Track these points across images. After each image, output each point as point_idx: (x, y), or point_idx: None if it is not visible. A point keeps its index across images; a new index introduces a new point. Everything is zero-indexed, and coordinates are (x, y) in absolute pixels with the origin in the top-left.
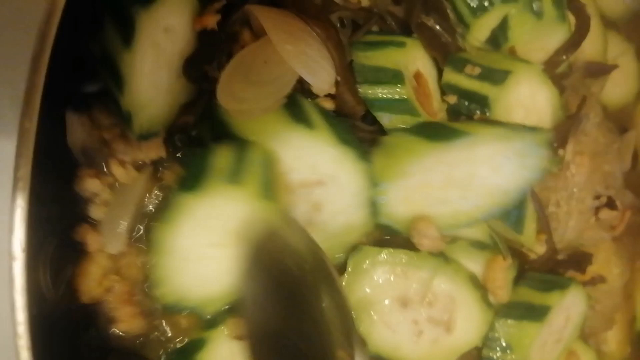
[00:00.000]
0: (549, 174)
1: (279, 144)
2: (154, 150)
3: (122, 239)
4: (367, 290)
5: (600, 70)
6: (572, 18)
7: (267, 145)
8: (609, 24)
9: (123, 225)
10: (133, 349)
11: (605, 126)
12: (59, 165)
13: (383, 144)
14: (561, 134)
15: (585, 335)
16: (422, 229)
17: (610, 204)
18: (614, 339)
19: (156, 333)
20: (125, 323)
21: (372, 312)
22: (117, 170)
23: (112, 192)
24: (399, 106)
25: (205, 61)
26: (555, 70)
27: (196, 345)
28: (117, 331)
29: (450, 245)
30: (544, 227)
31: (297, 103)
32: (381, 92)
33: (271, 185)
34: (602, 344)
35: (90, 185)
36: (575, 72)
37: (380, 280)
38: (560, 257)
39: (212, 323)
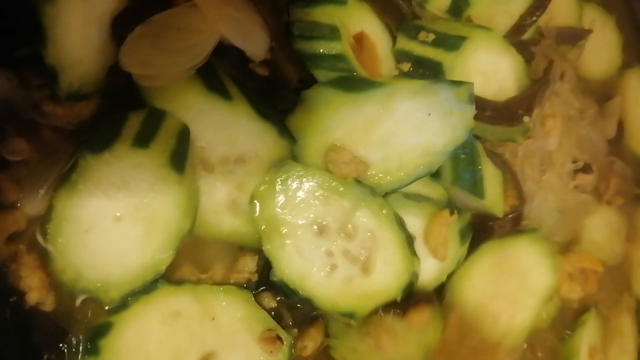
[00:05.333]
0: (515, 143)
1: (194, 115)
2: (87, 111)
3: (41, 202)
4: (281, 207)
5: (573, 35)
6: None
7: (181, 115)
8: None
9: (43, 187)
10: (59, 326)
11: (580, 90)
12: None
13: (304, 99)
14: (526, 100)
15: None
16: (335, 156)
17: (585, 169)
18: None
19: (78, 315)
20: (36, 292)
21: (283, 233)
22: (45, 132)
23: (37, 153)
24: (334, 62)
25: (136, 21)
26: (521, 36)
27: (102, 331)
28: (32, 303)
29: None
30: (514, 185)
31: (213, 72)
32: (317, 46)
33: (183, 157)
34: None
35: (15, 143)
36: (547, 38)
37: (298, 200)
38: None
39: (118, 307)
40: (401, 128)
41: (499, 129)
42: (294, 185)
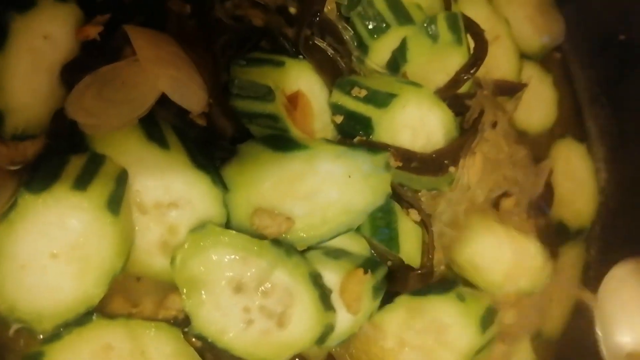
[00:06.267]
0: (439, 193)
1: (133, 161)
2: (31, 151)
3: None
4: (202, 268)
5: (510, 88)
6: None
7: (120, 161)
8: (526, 57)
9: None
10: None
11: (513, 139)
12: None
13: (238, 153)
14: (452, 151)
15: None
16: (259, 220)
17: (506, 194)
18: None
19: (12, 344)
20: None
21: (202, 291)
22: None
23: None
24: (266, 121)
25: (84, 70)
26: (456, 90)
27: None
28: None
29: (306, 253)
30: (427, 250)
31: (154, 122)
32: (251, 106)
33: (118, 200)
34: None
35: None
36: (484, 90)
37: (217, 261)
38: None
39: (51, 337)
40: (324, 186)
41: (424, 178)
42: (214, 246)
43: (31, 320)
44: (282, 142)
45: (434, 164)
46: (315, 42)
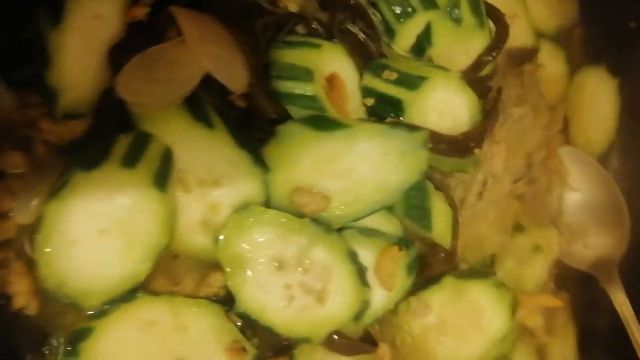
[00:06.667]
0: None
1: (178, 140)
2: (79, 130)
3: (32, 213)
4: (245, 246)
5: (523, 55)
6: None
7: (166, 139)
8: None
9: (35, 199)
10: (41, 330)
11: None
12: None
13: (278, 133)
14: (477, 133)
15: None
16: (299, 198)
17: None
18: None
19: (60, 320)
20: (22, 297)
21: (246, 269)
22: (39, 147)
23: (31, 166)
24: (307, 102)
25: (130, 51)
26: (479, 73)
27: (82, 335)
28: (18, 308)
29: (341, 232)
30: (454, 230)
31: (198, 103)
32: (292, 87)
33: (165, 177)
34: None
35: (11, 156)
36: (501, 65)
37: (260, 239)
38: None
39: (99, 313)
40: (360, 164)
41: (451, 160)
42: (257, 225)
43: (78, 296)
44: (323, 121)
45: (461, 146)
46: (348, 26)
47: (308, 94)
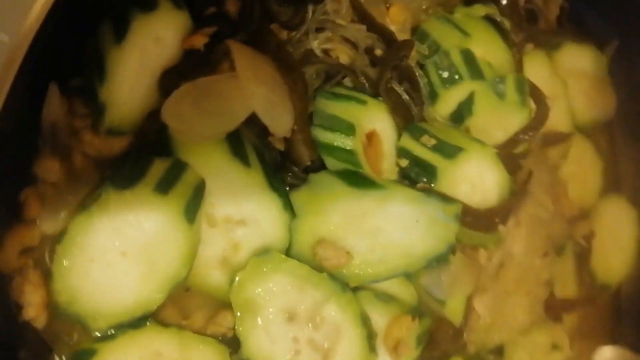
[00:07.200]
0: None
1: (213, 173)
2: (118, 147)
3: (60, 222)
4: (259, 292)
5: (556, 138)
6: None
7: (201, 171)
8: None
9: (64, 210)
10: (46, 344)
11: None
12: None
13: (311, 181)
14: (504, 211)
15: None
16: (322, 251)
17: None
18: None
19: (65, 336)
20: (33, 308)
21: (257, 316)
22: (77, 158)
23: (65, 176)
24: (344, 155)
25: (182, 77)
26: (513, 149)
27: (85, 356)
28: (26, 319)
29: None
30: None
31: (239, 139)
32: (332, 138)
33: (196, 209)
34: None
35: (49, 163)
36: (534, 146)
37: (275, 288)
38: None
39: (105, 336)
40: (389, 226)
41: (475, 234)
42: (274, 273)
43: (87, 315)
44: (358, 178)
45: (486, 221)
46: (393, 85)
47: (347, 147)
